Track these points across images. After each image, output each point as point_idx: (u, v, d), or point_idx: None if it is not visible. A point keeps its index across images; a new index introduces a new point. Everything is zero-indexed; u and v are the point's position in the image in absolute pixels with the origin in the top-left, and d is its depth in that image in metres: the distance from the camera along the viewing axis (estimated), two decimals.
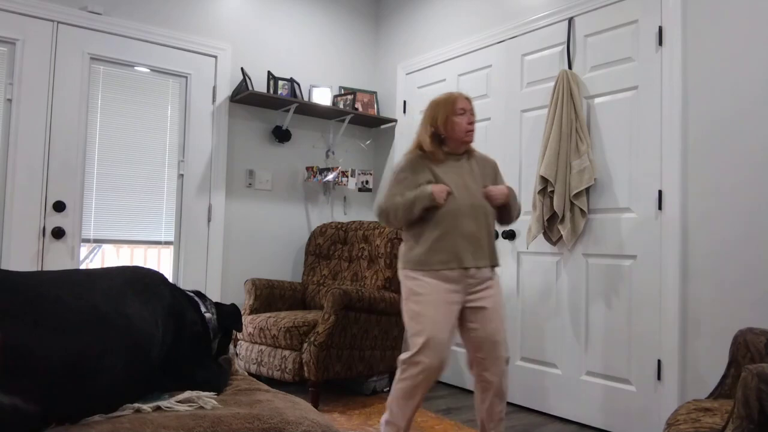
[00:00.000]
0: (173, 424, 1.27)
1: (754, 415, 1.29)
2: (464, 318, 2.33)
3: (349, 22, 4.57)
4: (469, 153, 2.43)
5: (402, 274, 2.36)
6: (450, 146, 2.37)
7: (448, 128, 2.34)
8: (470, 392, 3.59)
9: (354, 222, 3.96)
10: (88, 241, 3.45)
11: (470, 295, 2.30)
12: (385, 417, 2.32)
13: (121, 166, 3.56)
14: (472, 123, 2.38)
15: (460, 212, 2.27)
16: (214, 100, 3.89)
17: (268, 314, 3.44)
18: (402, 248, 2.40)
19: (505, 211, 2.43)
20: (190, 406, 1.44)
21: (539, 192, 3.04)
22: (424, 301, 2.25)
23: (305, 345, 3.13)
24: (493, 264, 2.37)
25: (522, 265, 3.37)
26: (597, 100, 3.03)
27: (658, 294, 2.72)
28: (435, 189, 2.24)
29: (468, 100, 2.41)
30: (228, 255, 3.91)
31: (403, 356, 2.26)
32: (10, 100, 3.22)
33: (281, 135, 4.12)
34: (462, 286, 2.27)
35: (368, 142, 4.58)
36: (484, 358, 2.31)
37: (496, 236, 3.44)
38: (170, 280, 1.88)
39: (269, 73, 3.98)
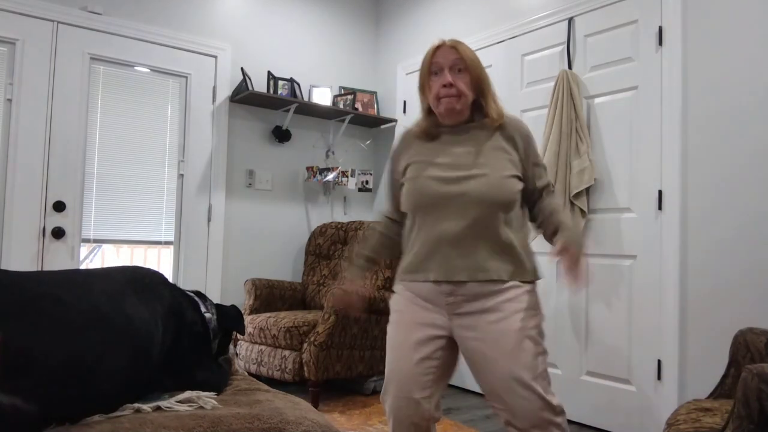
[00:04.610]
0: (173, 424, 1.27)
1: (754, 415, 1.29)
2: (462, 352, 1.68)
3: (349, 22, 4.57)
4: (483, 122, 1.71)
5: None
6: (440, 117, 1.73)
7: (428, 96, 1.72)
8: (470, 392, 3.59)
9: (354, 222, 3.96)
10: (88, 241, 3.45)
11: (457, 319, 1.62)
12: None
13: (121, 166, 3.56)
14: (449, 85, 1.65)
15: (434, 207, 1.64)
16: (214, 100, 3.89)
17: (268, 314, 3.44)
18: None
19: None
20: (190, 406, 1.44)
21: None
22: (394, 320, 1.73)
23: (305, 345, 3.14)
24: (498, 277, 1.59)
25: None
26: (597, 100, 3.03)
27: (658, 294, 2.72)
28: (337, 294, 1.86)
29: (453, 48, 1.72)
30: (228, 255, 3.91)
31: None
32: (10, 100, 3.22)
33: (281, 135, 4.12)
34: (441, 304, 1.63)
35: (368, 142, 4.58)
36: (501, 408, 1.58)
37: None
38: (170, 280, 1.88)
39: (269, 73, 3.98)
